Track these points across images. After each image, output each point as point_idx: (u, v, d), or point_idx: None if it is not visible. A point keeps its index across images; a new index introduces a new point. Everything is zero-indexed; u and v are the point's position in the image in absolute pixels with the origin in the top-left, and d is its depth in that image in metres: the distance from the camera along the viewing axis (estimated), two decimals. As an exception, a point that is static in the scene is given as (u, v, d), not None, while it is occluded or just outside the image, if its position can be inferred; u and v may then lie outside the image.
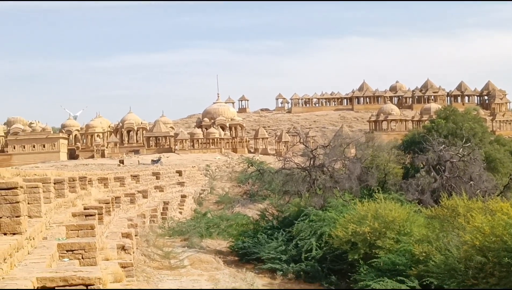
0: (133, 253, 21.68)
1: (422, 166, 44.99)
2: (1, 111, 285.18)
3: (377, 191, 35.91)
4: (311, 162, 41.47)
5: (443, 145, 43.55)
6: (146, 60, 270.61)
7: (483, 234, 20.73)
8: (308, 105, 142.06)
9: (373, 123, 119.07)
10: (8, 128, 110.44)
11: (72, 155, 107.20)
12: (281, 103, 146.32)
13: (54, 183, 19.22)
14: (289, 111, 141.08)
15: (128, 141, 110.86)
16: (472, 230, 21.83)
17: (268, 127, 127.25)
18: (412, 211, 30.29)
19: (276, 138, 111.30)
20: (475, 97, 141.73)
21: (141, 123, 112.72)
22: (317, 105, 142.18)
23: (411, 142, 55.37)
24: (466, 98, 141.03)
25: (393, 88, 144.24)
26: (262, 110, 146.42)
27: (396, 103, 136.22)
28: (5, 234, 11.11)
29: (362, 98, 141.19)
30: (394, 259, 25.84)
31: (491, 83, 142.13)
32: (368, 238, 27.46)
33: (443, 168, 41.64)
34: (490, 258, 20.16)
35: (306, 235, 31.78)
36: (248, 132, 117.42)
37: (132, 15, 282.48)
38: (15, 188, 11.29)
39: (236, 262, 33.00)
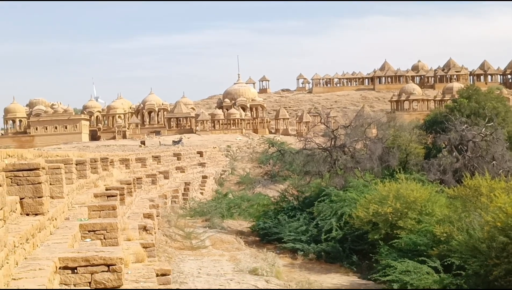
0: (155, 233, 21.79)
1: (444, 146, 44.75)
2: (24, 93, 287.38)
3: (398, 171, 35.77)
4: (332, 143, 41.37)
5: (466, 125, 43.24)
6: (167, 41, 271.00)
7: (506, 214, 20.57)
8: (329, 85, 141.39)
9: (395, 103, 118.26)
10: (31, 110, 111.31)
11: (94, 136, 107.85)
12: (302, 83, 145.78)
13: (76, 164, 19.34)
14: (310, 92, 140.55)
15: (149, 122, 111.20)
16: (495, 210, 21.66)
17: (289, 107, 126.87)
18: (434, 191, 30.15)
19: (297, 119, 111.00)
20: (498, 76, 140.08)
21: (162, 104, 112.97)
22: (338, 85, 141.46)
23: (433, 122, 54.99)
24: (489, 77, 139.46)
25: (415, 68, 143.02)
26: (283, 90, 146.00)
27: (418, 82, 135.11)
28: (27, 214, 11.20)
29: (383, 78, 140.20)
30: (415, 239, 25.76)
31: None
32: (390, 218, 27.40)
33: (465, 148, 41.37)
34: (513, 238, 20.02)
35: (326, 215, 31.78)
36: (269, 113, 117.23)
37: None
38: (37, 169, 11.36)
39: (257, 242, 33.11)
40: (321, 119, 47.54)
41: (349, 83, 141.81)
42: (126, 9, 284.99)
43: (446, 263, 22.98)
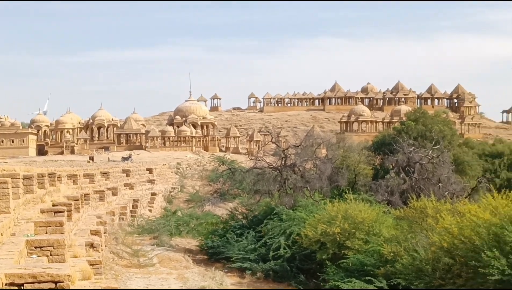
0: (102, 250, 21.53)
1: (391, 167, 45.36)
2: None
3: (347, 192, 36.12)
4: (283, 162, 41.56)
5: (413, 147, 43.95)
6: (118, 56, 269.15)
7: (451, 235, 20.97)
8: (280, 104, 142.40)
9: (344, 124, 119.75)
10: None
11: (41, 151, 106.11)
12: (253, 102, 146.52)
13: (23, 179, 19.02)
14: (261, 111, 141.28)
15: (98, 137, 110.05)
16: (441, 231, 22.06)
17: (240, 126, 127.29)
18: (382, 212, 30.49)
19: (248, 137, 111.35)
20: (445, 100, 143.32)
21: (112, 119, 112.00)
22: (289, 105, 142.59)
23: (381, 143, 55.85)
24: (436, 100, 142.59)
25: (364, 90, 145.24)
26: (234, 109, 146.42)
27: (367, 104, 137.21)
28: (-28, 230, 10.98)
29: (333, 99, 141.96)
30: (362, 259, 25.97)
31: (460, 86, 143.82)
32: (338, 238, 27.58)
33: (413, 169, 42.02)
34: (458, 259, 20.39)
35: (275, 234, 31.84)
36: (219, 131, 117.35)
37: (105, 11, 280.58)
38: (-16, 183, 11.17)
39: (205, 261, 32.96)
40: (271, 138, 47.78)
41: (300, 103, 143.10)
42: (77, 23, 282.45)
43: (392, 283, 23.24)
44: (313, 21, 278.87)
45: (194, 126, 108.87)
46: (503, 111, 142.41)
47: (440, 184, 40.50)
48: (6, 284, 9.16)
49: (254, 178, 41.72)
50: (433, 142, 45.72)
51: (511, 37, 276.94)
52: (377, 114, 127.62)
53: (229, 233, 34.87)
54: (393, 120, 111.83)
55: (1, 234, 12.32)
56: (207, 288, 23.30)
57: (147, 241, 36.26)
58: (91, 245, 19.34)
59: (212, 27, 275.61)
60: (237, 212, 39.91)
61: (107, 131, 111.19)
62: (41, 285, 9.40)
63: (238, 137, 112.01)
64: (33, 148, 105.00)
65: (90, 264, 15.42)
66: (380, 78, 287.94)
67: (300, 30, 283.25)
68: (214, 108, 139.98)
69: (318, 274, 27.55)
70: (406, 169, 42.39)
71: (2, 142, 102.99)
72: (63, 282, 9.49)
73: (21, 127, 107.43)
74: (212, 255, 33.72)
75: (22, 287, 9.32)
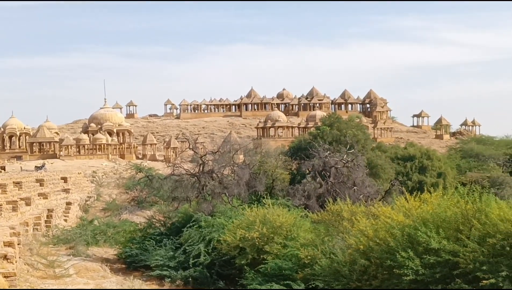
0: (16, 262, 20.94)
1: (308, 172, 46.05)
2: None
3: (265, 197, 36.41)
4: (200, 168, 41.50)
5: (328, 152, 44.76)
6: (29, 63, 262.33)
7: (367, 237, 21.46)
8: (197, 111, 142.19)
9: (261, 129, 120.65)
10: None
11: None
12: (170, 109, 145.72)
13: None
14: (178, 117, 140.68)
15: (10, 146, 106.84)
16: (356, 233, 22.54)
17: (157, 133, 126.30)
18: (299, 216, 30.86)
19: (165, 144, 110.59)
20: (358, 105, 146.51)
21: (24, 128, 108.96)
22: (206, 111, 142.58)
23: (297, 148, 56.68)
24: (350, 106, 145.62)
25: (280, 96, 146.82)
26: (150, 115, 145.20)
27: (283, 110, 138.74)
28: None
29: (250, 105, 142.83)
30: (281, 264, 26.21)
31: (372, 91, 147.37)
32: (257, 243, 27.75)
33: (328, 173, 42.78)
34: (373, 261, 20.87)
35: (195, 241, 31.76)
36: (136, 138, 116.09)
37: (14, 16, 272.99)
38: None
39: (123, 269, 32.51)
40: (189, 145, 47.61)
41: (217, 109, 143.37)
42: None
43: (310, 286, 23.56)
44: (228, 27, 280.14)
45: (110, 133, 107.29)
46: (414, 116, 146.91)
47: (355, 187, 41.40)
48: None
49: (172, 185, 41.47)
50: (348, 147, 46.74)
51: (418, 43, 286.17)
52: (293, 119, 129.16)
53: (147, 241, 34.54)
54: (309, 125, 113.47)
55: None
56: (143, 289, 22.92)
57: (63, 252, 35.45)
58: (5, 257, 18.80)
59: (124, 34, 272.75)
60: (155, 219, 39.56)
61: (19, 140, 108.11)
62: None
63: (155, 144, 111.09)
64: None
65: (4, 276, 15.00)
66: (295, 84, 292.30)
67: (214, 37, 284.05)
68: (130, 115, 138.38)
69: (237, 279, 27.66)
70: (322, 173, 43.10)
71: None
72: (-24, 296, 9.21)
73: None
74: (130, 264, 33.30)
75: None
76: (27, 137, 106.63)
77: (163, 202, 46.56)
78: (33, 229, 37.48)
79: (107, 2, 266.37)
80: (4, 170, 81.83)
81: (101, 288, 23.59)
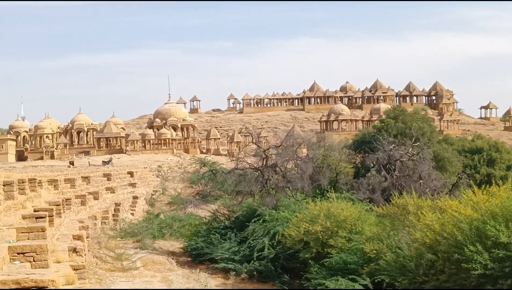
0: (85, 255, 21.43)
1: (372, 165, 45.60)
2: None
3: (328, 190, 36.24)
4: (264, 162, 41.60)
5: (393, 145, 44.22)
6: (96, 60, 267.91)
7: (433, 231, 21.12)
8: (259, 105, 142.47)
9: (324, 123, 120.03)
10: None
11: (20, 157, 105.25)
12: (233, 103, 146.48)
13: (3, 185, 18.89)
14: (241, 112, 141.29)
15: (78, 142, 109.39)
16: (423, 227, 22.21)
17: (220, 127, 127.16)
18: (364, 210, 30.63)
19: (228, 139, 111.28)
20: (423, 97, 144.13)
21: (92, 124, 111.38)
22: (268, 105, 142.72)
23: (361, 141, 56.17)
24: (415, 98, 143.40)
25: (343, 89, 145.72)
26: (214, 110, 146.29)
27: (346, 103, 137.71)
28: (-47, 237, 10.89)
29: (313, 99, 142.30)
30: (345, 258, 26.09)
31: (438, 83, 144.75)
32: (320, 237, 27.68)
33: (393, 167, 42.27)
34: (440, 255, 20.54)
35: (259, 235, 31.88)
36: (200, 133, 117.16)
37: (82, 14, 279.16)
38: (-36, 190, 11.07)
39: (189, 263, 32.91)
40: (252, 139, 47.76)
41: (280, 103, 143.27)
42: (54, 28, 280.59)
43: (376, 281, 23.36)
44: (291, 21, 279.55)
45: (174, 128, 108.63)
46: (481, 107, 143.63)
47: (421, 181, 40.78)
48: (-10, 291, 9.10)
49: (236, 179, 41.70)
50: (413, 139, 46.03)
51: (486, 34, 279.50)
52: (356, 112, 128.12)
53: (212, 234, 34.85)
54: (373, 118, 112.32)
55: (-17, 241, 12.22)
56: (192, 289, 23.25)
57: (130, 245, 36.11)
58: (74, 250, 19.24)
59: (187, 29, 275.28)
60: (220, 213, 39.89)
61: (86, 135, 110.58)
62: (25, 291, 9.35)
63: (219, 138, 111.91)
64: (12, 154, 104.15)
65: (74, 269, 15.34)
66: (358, 77, 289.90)
67: (277, 31, 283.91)
68: (193, 110, 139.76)
69: (301, 273, 27.64)
70: (387, 166, 42.63)
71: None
72: (47, 287, 9.45)
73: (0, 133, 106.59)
74: (196, 257, 33.67)
75: (6, 294, 9.26)
76: (94, 132, 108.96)
77: (227, 196, 46.85)
78: (101, 222, 38.30)
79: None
80: (73, 165, 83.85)
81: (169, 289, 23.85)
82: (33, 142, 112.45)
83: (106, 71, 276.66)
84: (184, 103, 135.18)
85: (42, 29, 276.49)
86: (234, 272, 29.94)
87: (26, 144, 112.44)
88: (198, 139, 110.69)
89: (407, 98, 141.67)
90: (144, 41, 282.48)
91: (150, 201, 62.08)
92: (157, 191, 67.88)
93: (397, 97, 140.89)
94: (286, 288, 28.13)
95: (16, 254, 12.89)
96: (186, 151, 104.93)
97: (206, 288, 25.71)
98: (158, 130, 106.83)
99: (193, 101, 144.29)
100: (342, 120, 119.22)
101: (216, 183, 52.80)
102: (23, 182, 23.95)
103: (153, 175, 78.26)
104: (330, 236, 27.69)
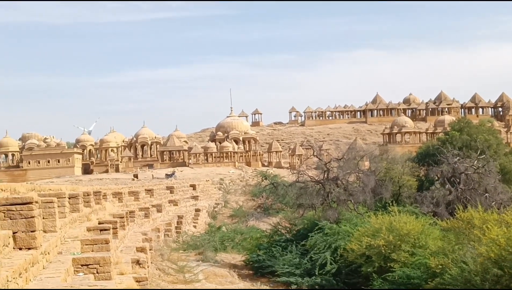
0: (148, 267, 21.68)
1: (436, 178, 44.83)
2: (16, 127, 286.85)
3: (391, 204, 35.79)
4: (325, 175, 41.39)
5: (458, 157, 43.39)
6: (158, 75, 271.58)
7: (499, 246, 20.58)
8: (321, 118, 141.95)
9: (387, 135, 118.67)
10: (23, 144, 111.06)
11: (86, 170, 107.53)
12: (294, 116, 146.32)
13: (69, 198, 19.32)
14: (303, 124, 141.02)
15: (142, 155, 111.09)
16: (488, 242, 21.68)
17: (282, 140, 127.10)
18: (427, 223, 30.14)
19: (290, 152, 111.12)
20: (489, 108, 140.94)
21: (155, 137, 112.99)
22: (330, 118, 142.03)
23: (425, 154, 55.21)
24: (480, 110, 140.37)
25: (406, 101, 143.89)
26: (275, 123, 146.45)
27: (409, 115, 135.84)
28: (20, 249, 11.16)
29: (375, 111, 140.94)
30: (409, 272, 25.69)
31: (505, 94, 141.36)
32: (383, 251, 27.35)
33: (458, 180, 41.46)
34: (506, 271, 20.00)
35: (320, 248, 31.68)
36: (261, 146, 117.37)
37: (144, 30, 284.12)
38: (30, 203, 11.35)
39: (250, 275, 32.94)
40: (313, 152, 47.59)
41: (341, 116, 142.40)
42: (116, 44, 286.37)
43: (440, 296, 22.90)
44: (351, 34, 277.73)
45: (236, 141, 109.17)
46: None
47: (486, 194, 39.88)
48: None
49: (297, 192, 41.62)
50: (478, 152, 45.06)
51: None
52: (420, 125, 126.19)
53: (274, 247, 34.82)
54: (437, 131, 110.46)
55: (48, 253, 12.50)
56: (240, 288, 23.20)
57: (192, 257, 36.40)
58: (137, 262, 19.50)
59: (249, 43, 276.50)
60: (281, 226, 39.85)
61: (150, 148, 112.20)
62: (88, 303, 9.50)
63: (280, 151, 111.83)
64: (78, 167, 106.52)
65: (137, 281, 15.54)
66: (422, 89, 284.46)
67: (338, 44, 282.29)
68: (255, 123, 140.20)
69: (364, 288, 27.32)
70: (452, 179, 41.85)
71: (49, 162, 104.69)
72: (110, 299, 9.58)
73: (66, 147, 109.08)
74: (257, 270, 33.69)
75: (69, 305, 9.43)
76: (158, 146, 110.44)
77: (288, 209, 46.77)
78: (164, 235, 38.76)
79: (230, 12, 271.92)
80: (137, 178, 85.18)
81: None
82: (99, 155, 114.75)
83: (169, 86, 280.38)
84: (246, 116, 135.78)
85: (105, 46, 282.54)
86: (295, 286, 29.81)
87: (92, 158, 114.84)
88: (259, 152, 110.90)
89: (473, 109, 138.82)
90: (205, 55, 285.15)
91: (212, 214, 62.49)
92: (219, 204, 68.29)
93: (462, 109, 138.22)
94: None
95: (80, 266, 13.14)
96: (248, 164, 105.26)
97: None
98: (220, 143, 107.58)
99: (254, 114, 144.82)
100: (406, 132, 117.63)
101: (278, 196, 52.88)
102: (88, 195, 24.48)
103: (215, 188, 78.80)
104: (393, 250, 27.32)
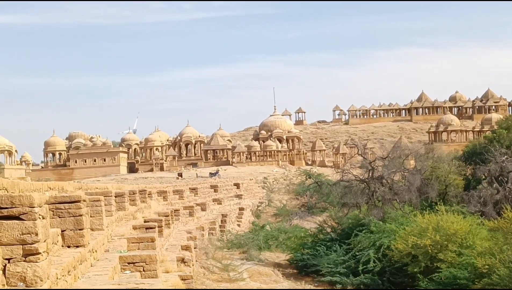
0: (193, 265, 21.80)
1: (484, 177, 44.17)
2: (63, 126, 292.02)
3: (437, 203, 35.34)
4: (370, 174, 41.08)
5: (506, 156, 42.65)
6: (201, 74, 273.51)
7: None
8: (365, 116, 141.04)
9: (433, 134, 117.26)
10: (70, 143, 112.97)
11: (131, 169, 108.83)
12: (338, 114, 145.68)
13: (115, 197, 19.54)
14: (347, 123, 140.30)
15: (186, 154, 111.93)
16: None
17: (326, 139, 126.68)
18: (475, 223, 29.68)
19: (334, 150, 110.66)
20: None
21: (199, 136, 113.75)
22: (374, 116, 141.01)
23: (472, 153, 54.44)
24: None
25: (452, 99, 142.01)
26: (319, 122, 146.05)
27: (456, 113, 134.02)
28: (68, 246, 11.32)
29: (421, 109, 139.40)
30: (456, 272, 25.34)
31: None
32: (429, 251, 27.02)
33: (506, 179, 40.75)
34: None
35: (364, 246, 31.45)
36: (305, 144, 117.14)
37: (187, 30, 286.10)
38: (78, 201, 11.50)
39: (295, 275, 32.86)
40: (358, 151, 47.29)
41: (386, 114, 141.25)
42: (161, 43, 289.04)
43: (488, 297, 22.53)
44: (393, 31, 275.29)
45: (280, 140, 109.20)
46: None
47: (535, 193, 39.11)
48: (101, 300, 9.38)
49: (341, 191, 41.41)
50: (527, 151, 44.21)
51: None
52: (466, 123, 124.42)
53: (318, 246, 34.68)
54: (484, 129, 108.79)
55: (96, 251, 12.65)
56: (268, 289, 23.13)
57: (236, 256, 36.47)
58: (182, 260, 19.62)
59: (289, 42, 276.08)
60: (326, 225, 39.69)
61: (194, 147, 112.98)
62: (135, 300, 9.58)
63: (324, 150, 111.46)
64: (124, 166, 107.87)
65: (182, 279, 15.63)
66: (468, 86, 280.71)
67: (380, 42, 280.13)
68: (299, 122, 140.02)
69: (409, 288, 27.04)
70: (499, 178, 41.15)
71: (95, 161, 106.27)
72: (156, 297, 9.64)
73: (112, 146, 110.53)
74: (301, 269, 33.59)
75: (117, 303, 9.52)
76: (201, 145, 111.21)
77: (332, 208, 46.55)
78: (208, 233, 38.97)
79: (272, 11, 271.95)
80: (181, 176, 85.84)
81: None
82: (144, 154, 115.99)
83: (212, 85, 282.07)
84: (289, 115, 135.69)
85: (148, 46, 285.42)
86: (340, 285, 29.64)
87: (137, 156, 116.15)
88: (303, 151, 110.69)
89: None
90: (248, 54, 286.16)
91: (256, 213, 62.57)
92: (262, 203, 68.36)
93: (510, 107, 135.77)
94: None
95: (127, 264, 13.27)
96: (292, 162, 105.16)
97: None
98: (263, 142, 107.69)
99: (298, 113, 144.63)
100: (452, 130, 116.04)
101: (322, 195, 52.72)
102: (134, 194, 24.75)
103: (258, 186, 78.90)
104: (440, 250, 26.97)
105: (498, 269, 22.66)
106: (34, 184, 12.79)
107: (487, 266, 23.65)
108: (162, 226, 21.35)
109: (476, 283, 23.54)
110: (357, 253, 31.43)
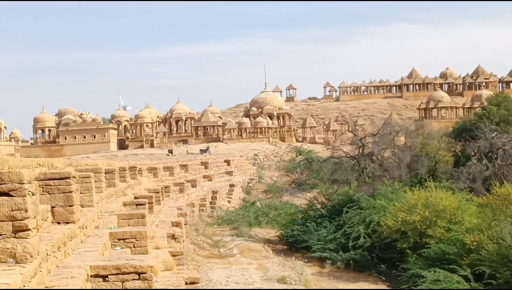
0: (183, 241, 21.88)
1: (473, 154, 44.33)
2: (53, 102, 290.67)
3: (427, 180, 35.50)
4: (360, 151, 41.19)
5: (495, 133, 42.81)
6: (192, 50, 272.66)
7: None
8: (356, 93, 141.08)
9: (423, 110, 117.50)
10: (59, 119, 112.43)
11: (122, 145, 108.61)
12: (329, 91, 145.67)
13: (105, 173, 19.49)
14: (337, 100, 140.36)
15: (176, 131, 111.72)
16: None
17: (316, 115, 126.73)
18: (464, 199, 29.85)
19: (324, 127, 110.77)
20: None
21: (189, 113, 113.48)
22: (365, 93, 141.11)
23: (462, 129, 54.58)
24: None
25: (443, 75, 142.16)
26: (309, 98, 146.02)
27: (446, 90, 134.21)
28: (58, 223, 11.32)
29: (411, 86, 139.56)
30: (444, 248, 25.51)
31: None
32: (418, 227, 27.18)
33: (495, 155, 40.94)
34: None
35: (354, 223, 31.62)
36: (296, 121, 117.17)
37: (177, 6, 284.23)
38: (68, 178, 11.49)
39: (285, 250, 33.04)
40: (348, 127, 47.45)
41: (377, 91, 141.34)
42: (151, 19, 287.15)
43: (477, 272, 22.73)
44: (385, 8, 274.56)
45: (270, 117, 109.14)
46: None
47: (524, 169, 39.32)
48: (91, 276, 9.42)
49: (332, 168, 41.51)
50: (517, 127, 44.37)
51: None
52: (457, 99, 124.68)
53: (308, 222, 34.83)
54: (474, 106, 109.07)
55: (86, 227, 12.67)
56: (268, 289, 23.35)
57: (227, 232, 36.63)
58: (173, 237, 19.67)
59: (283, 18, 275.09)
60: (316, 201, 39.83)
61: (185, 124, 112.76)
62: (125, 276, 9.63)
63: (315, 127, 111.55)
64: (114, 142, 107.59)
65: (172, 255, 15.68)
66: (459, 63, 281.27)
67: (372, 18, 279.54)
68: (289, 99, 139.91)
69: (398, 263, 27.23)
70: (489, 155, 41.34)
71: (85, 137, 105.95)
72: (146, 273, 9.69)
73: (102, 123, 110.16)
74: (291, 245, 33.77)
75: (106, 278, 9.57)
76: (192, 121, 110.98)
77: (323, 185, 46.70)
78: (198, 210, 39.06)
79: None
80: (172, 153, 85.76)
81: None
82: (134, 131, 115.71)
83: (203, 61, 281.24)
84: (280, 92, 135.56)
85: (139, 22, 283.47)
86: (330, 261, 29.81)
87: (127, 133, 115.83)
88: (294, 128, 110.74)
89: (511, 84, 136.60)
90: (239, 31, 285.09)
91: (246, 189, 62.73)
92: (253, 179, 68.51)
93: (500, 83, 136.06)
94: (383, 278, 27.77)
95: (117, 240, 13.29)
96: (282, 139, 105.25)
97: (303, 277, 25.67)
98: (254, 118, 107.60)
99: (289, 89, 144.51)
100: (442, 107, 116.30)
101: (312, 171, 52.80)
102: (124, 170, 24.71)
103: (249, 163, 78.97)
104: (429, 226, 27.14)
105: (487, 245, 22.85)
106: (24, 160, 12.75)
107: (475, 242, 23.84)
108: (152, 203, 21.38)
109: (464, 258, 23.73)
110: (347, 229, 31.60)
